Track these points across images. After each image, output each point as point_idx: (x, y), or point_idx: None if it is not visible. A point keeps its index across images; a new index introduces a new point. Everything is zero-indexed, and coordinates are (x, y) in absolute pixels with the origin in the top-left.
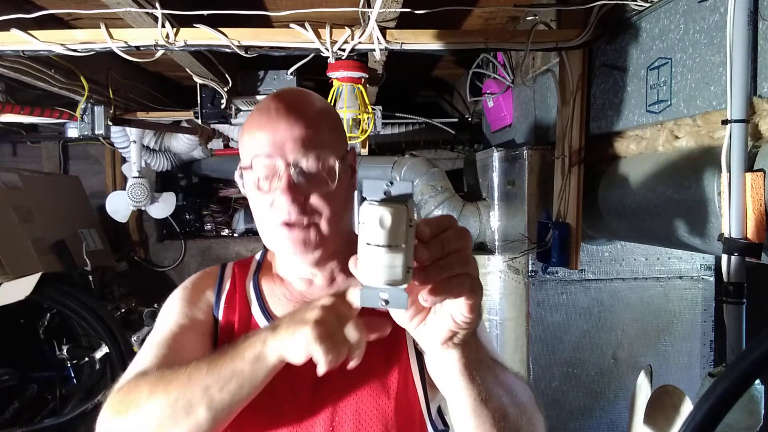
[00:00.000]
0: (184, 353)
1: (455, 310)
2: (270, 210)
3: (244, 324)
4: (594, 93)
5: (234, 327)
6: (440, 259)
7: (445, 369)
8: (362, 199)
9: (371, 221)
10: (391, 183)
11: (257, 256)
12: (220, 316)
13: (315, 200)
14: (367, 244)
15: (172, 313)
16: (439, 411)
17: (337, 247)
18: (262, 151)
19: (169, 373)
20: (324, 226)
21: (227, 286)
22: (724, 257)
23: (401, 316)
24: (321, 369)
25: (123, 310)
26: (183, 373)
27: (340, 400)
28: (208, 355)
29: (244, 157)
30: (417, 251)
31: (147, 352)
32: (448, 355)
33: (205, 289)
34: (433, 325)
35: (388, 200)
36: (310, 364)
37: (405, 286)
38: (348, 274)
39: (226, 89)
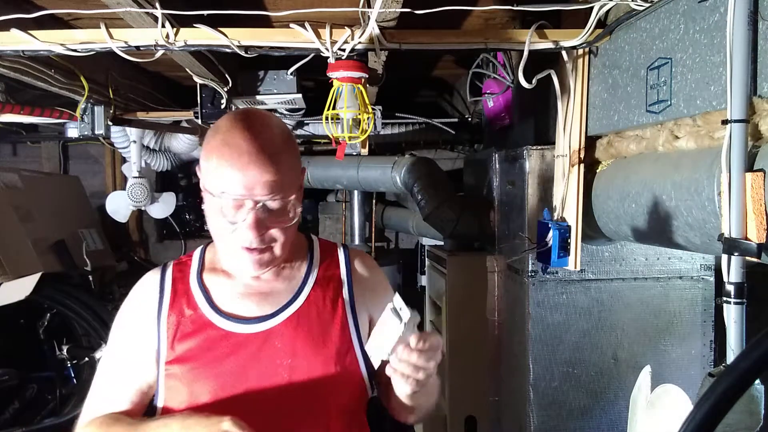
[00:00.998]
0: (131, 384)
1: (404, 387)
2: (232, 234)
3: (194, 322)
4: (594, 93)
5: (182, 325)
6: (407, 361)
7: (400, 397)
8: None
9: (395, 322)
10: (411, 309)
11: (196, 255)
12: (166, 323)
13: (274, 231)
14: (383, 327)
15: (114, 345)
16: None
17: (286, 254)
18: (232, 190)
19: None
20: (278, 250)
21: (168, 290)
22: (724, 257)
23: (388, 370)
24: None
25: None
26: None
27: (296, 370)
28: (138, 426)
29: (212, 186)
30: (404, 348)
31: (96, 396)
32: (405, 397)
33: (144, 305)
34: (398, 384)
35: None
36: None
37: (386, 358)
38: (291, 263)
39: (226, 89)
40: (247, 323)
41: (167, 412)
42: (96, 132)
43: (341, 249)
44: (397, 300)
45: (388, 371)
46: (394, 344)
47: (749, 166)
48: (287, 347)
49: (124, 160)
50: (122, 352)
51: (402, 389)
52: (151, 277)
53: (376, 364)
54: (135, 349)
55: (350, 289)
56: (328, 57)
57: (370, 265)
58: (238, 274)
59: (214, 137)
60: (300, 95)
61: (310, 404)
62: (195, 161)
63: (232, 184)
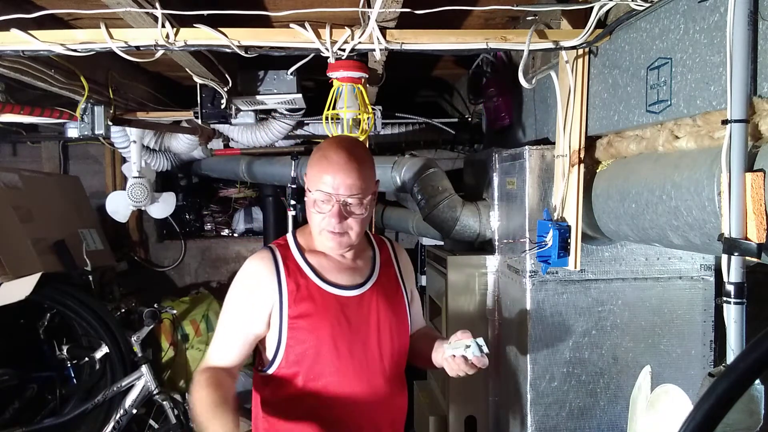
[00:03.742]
0: (243, 336)
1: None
2: (322, 221)
3: (308, 288)
4: (594, 93)
5: (300, 290)
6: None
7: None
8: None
9: (472, 343)
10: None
11: (290, 240)
12: (287, 289)
13: (350, 221)
14: (462, 341)
15: (234, 306)
16: None
17: (357, 242)
18: (324, 189)
19: (209, 395)
20: (353, 235)
21: (282, 265)
22: (724, 257)
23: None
24: None
25: (123, 310)
26: (207, 405)
27: (381, 321)
28: (217, 400)
29: (311, 185)
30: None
31: (220, 344)
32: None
33: (265, 275)
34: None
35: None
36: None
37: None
38: (357, 252)
39: (226, 89)
40: (347, 289)
41: (287, 359)
42: (96, 132)
43: (386, 240)
44: (482, 342)
45: (448, 359)
46: (461, 354)
47: (749, 166)
48: (374, 305)
49: (124, 160)
50: (241, 311)
51: (448, 369)
52: (266, 255)
53: (448, 353)
54: (254, 308)
55: (399, 268)
56: (328, 57)
57: (403, 254)
58: (329, 252)
59: (317, 153)
60: (300, 95)
61: (389, 343)
62: (195, 161)
63: (324, 185)
